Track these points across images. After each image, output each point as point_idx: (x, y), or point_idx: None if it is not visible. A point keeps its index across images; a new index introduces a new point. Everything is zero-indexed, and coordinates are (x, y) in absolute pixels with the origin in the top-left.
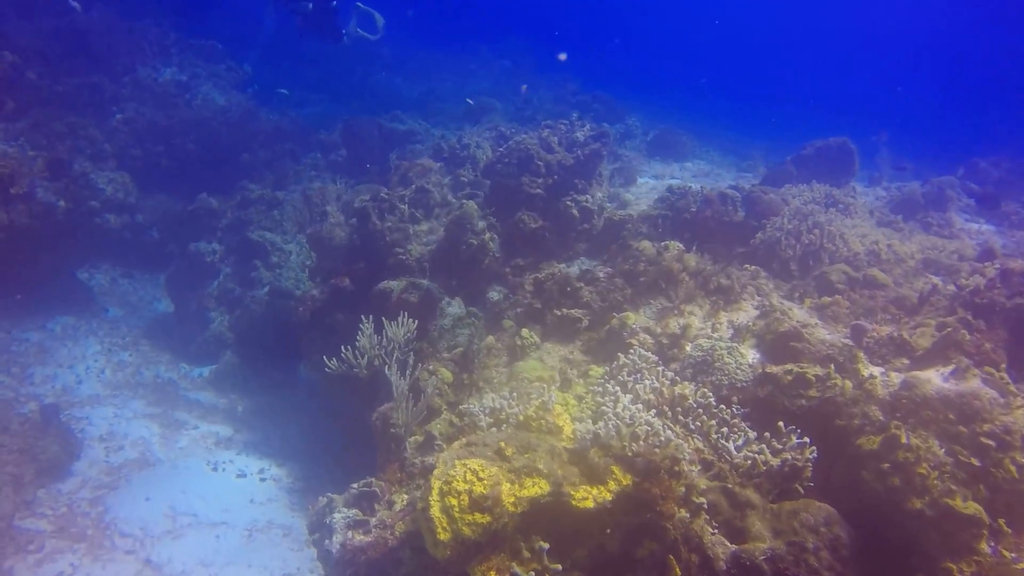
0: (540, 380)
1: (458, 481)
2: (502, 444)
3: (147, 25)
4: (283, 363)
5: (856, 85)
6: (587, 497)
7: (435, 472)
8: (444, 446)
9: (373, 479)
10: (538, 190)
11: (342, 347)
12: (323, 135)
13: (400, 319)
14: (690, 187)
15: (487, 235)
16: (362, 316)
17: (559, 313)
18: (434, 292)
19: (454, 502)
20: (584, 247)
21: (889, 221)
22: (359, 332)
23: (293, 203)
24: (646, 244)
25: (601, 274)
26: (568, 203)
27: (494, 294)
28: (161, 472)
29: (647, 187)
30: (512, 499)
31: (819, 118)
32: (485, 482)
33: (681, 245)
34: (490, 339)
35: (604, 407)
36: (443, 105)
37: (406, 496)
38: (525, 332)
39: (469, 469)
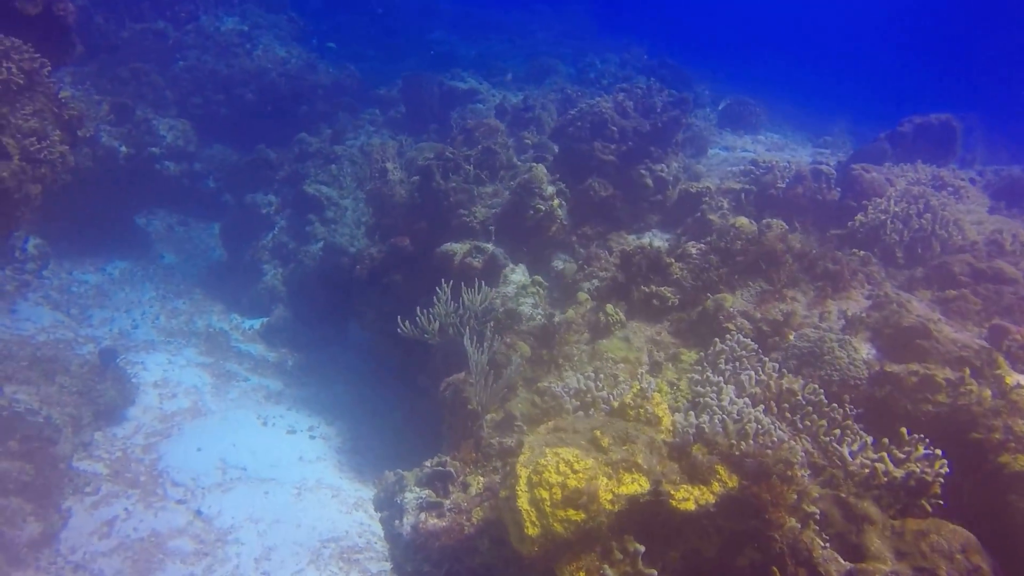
0: (625, 361)
1: (550, 472)
2: (597, 433)
3: None
4: (334, 320)
5: (929, 66)
6: (688, 498)
7: (520, 458)
8: (526, 428)
9: (447, 458)
10: (610, 156)
11: (417, 310)
12: (382, 91)
13: (476, 286)
14: (776, 161)
15: (555, 201)
16: (442, 280)
17: (647, 290)
18: (499, 258)
19: (544, 495)
20: (656, 219)
21: (991, 208)
22: (435, 297)
23: (351, 158)
24: (744, 221)
25: (693, 251)
26: (642, 172)
27: (559, 263)
28: (212, 423)
29: (718, 159)
30: (610, 496)
31: (893, 97)
32: (580, 475)
33: (784, 224)
34: (570, 313)
35: (706, 398)
36: (502, 64)
37: (482, 479)
38: (610, 308)
39: (562, 459)
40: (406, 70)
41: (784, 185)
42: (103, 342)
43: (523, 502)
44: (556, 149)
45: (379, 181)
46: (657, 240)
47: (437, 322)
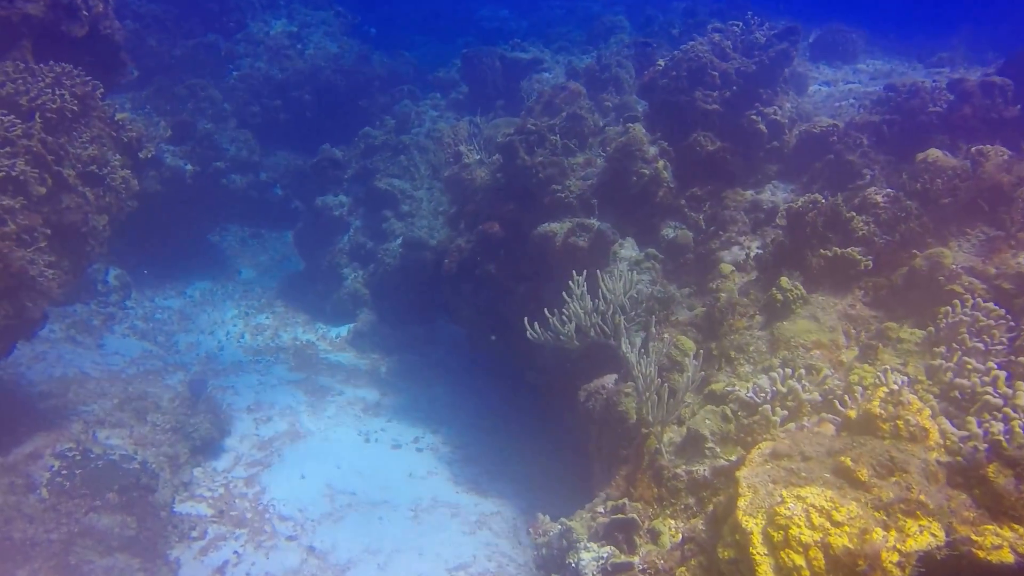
0: (819, 346)
1: (799, 526)
2: (846, 461)
3: None
4: (422, 318)
5: None
6: (1000, 544)
7: (741, 503)
8: (719, 450)
9: (625, 500)
10: (714, 105)
11: (545, 312)
12: (440, 73)
13: (615, 271)
14: (922, 82)
15: (660, 163)
16: (572, 272)
17: (828, 253)
18: (607, 233)
19: (798, 561)
20: (775, 168)
21: None
22: (568, 294)
23: (419, 146)
24: (938, 153)
25: (879, 198)
26: (753, 117)
27: (669, 231)
28: (313, 445)
29: (821, 95)
30: (895, 557)
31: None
32: (846, 528)
33: (1004, 149)
34: (730, 291)
35: (986, 395)
36: (559, 31)
37: (672, 522)
38: (785, 281)
39: (811, 505)
40: (458, 51)
41: (940, 108)
42: (192, 369)
43: (765, 570)
44: (642, 107)
45: (456, 166)
46: (780, 192)
47: (573, 323)
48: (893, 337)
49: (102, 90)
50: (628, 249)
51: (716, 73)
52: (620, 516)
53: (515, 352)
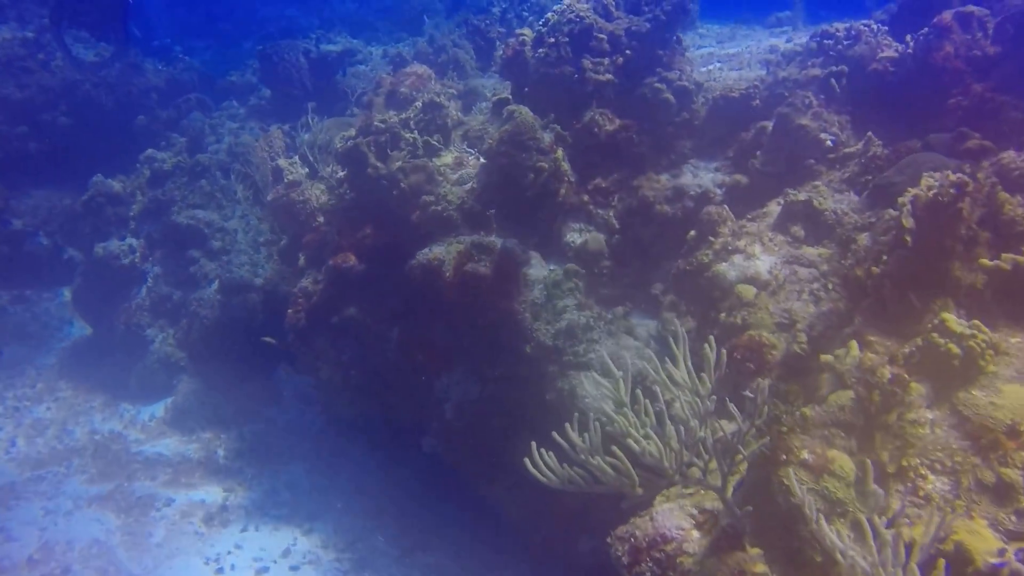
0: None
1: None
2: None
3: None
4: (258, 373)
5: None
6: None
7: None
8: None
9: None
10: (607, 75)
11: (559, 435)
12: (233, 77)
13: (668, 318)
14: (858, 26)
15: (558, 152)
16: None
17: (1006, 267)
18: (515, 252)
19: None
20: (689, 145)
21: None
22: (603, 401)
23: (222, 166)
24: None
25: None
26: (657, 85)
27: (574, 235)
28: None
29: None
30: None
31: None
32: None
33: None
34: (766, 324)
35: None
36: (360, 21)
37: None
38: (955, 322)
39: None
40: (248, 51)
41: (896, 53)
42: None
43: None
44: (491, 89)
45: (281, 187)
46: (704, 173)
47: (595, 455)
48: None
49: None
50: (537, 268)
51: (604, 36)
52: None
53: (397, 412)
